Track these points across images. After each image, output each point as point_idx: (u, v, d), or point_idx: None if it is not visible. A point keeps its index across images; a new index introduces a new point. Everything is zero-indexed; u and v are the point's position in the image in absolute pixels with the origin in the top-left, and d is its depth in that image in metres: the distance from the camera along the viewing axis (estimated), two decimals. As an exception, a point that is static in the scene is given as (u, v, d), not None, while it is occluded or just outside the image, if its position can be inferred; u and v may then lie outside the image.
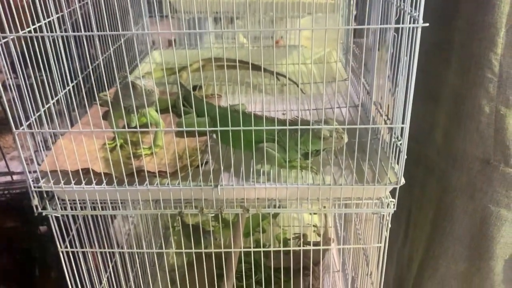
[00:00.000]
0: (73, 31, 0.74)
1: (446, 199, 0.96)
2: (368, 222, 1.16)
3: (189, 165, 0.81)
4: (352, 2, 1.23)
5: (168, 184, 0.79)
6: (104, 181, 0.78)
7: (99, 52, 0.94)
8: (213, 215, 0.82)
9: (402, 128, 0.75)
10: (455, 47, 0.89)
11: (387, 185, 0.78)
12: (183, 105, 1.02)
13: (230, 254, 1.05)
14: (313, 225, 1.49)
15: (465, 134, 0.89)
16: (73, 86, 0.83)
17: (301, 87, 1.21)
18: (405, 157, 0.76)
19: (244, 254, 1.16)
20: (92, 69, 0.85)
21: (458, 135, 0.91)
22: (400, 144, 0.77)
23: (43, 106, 0.78)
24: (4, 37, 0.70)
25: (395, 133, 0.79)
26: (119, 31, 1.16)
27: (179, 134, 0.90)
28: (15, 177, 1.34)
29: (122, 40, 1.20)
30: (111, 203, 0.82)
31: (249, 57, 0.85)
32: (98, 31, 0.70)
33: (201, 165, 0.83)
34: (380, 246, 0.88)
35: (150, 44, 1.39)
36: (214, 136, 0.92)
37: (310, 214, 1.57)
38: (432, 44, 0.92)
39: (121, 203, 0.83)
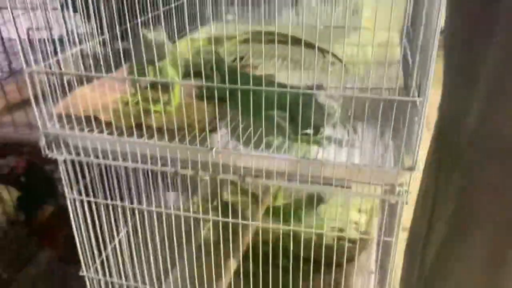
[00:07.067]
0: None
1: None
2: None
3: (196, 127, 0.79)
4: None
5: (166, 141, 0.76)
6: (107, 131, 0.78)
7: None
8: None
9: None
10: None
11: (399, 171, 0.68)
12: (212, 71, 0.99)
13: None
14: (355, 222, 1.38)
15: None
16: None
17: (346, 66, 1.11)
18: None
19: (273, 237, 1.09)
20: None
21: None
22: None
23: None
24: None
25: None
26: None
27: (200, 99, 0.87)
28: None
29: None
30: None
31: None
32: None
33: (215, 130, 0.80)
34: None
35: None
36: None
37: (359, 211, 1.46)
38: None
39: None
